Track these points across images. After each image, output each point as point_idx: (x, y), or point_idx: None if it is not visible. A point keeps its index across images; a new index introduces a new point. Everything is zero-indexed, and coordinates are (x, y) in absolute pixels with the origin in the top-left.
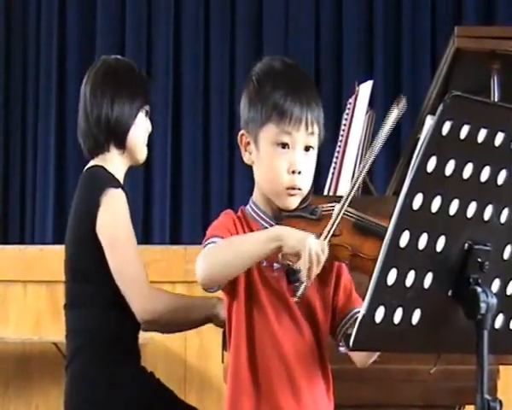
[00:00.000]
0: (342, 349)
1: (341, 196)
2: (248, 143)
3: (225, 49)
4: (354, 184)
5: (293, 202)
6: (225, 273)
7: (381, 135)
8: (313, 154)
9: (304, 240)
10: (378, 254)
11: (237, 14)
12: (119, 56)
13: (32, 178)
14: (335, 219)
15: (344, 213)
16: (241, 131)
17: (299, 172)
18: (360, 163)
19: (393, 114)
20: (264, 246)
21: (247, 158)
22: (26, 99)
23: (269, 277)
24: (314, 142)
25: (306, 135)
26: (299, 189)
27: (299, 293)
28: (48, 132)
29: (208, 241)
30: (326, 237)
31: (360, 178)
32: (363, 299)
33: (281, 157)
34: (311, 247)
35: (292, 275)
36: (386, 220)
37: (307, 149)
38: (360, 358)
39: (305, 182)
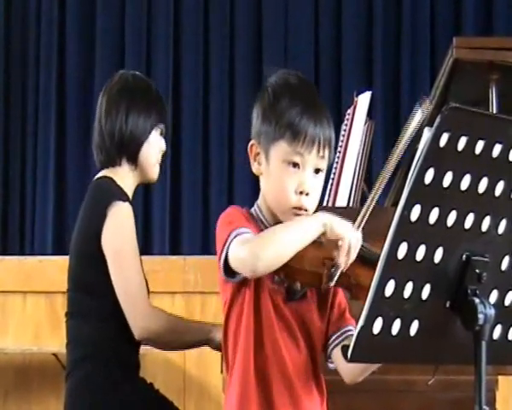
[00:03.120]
0: (331, 365)
1: (341, 207)
2: (258, 154)
3: (225, 61)
4: (378, 188)
5: None
6: (279, 256)
7: (404, 138)
8: (322, 176)
9: (346, 231)
10: None
11: (236, 25)
12: (137, 72)
13: (32, 189)
14: (367, 209)
15: None
16: (252, 141)
17: (307, 194)
18: (382, 169)
19: (417, 117)
20: (312, 231)
21: (255, 168)
22: (26, 106)
23: (268, 286)
24: (324, 165)
25: (317, 158)
26: (306, 210)
27: (334, 279)
28: (47, 142)
29: (235, 232)
30: (359, 225)
31: (381, 188)
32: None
33: (290, 176)
34: (350, 238)
35: (292, 293)
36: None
37: (317, 171)
38: (349, 374)
39: (312, 204)
